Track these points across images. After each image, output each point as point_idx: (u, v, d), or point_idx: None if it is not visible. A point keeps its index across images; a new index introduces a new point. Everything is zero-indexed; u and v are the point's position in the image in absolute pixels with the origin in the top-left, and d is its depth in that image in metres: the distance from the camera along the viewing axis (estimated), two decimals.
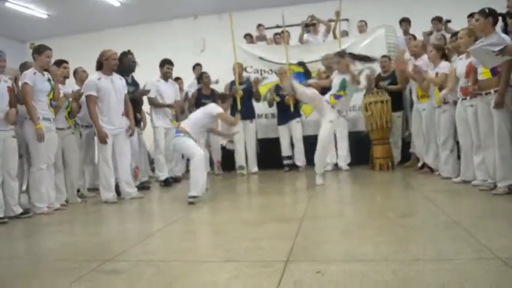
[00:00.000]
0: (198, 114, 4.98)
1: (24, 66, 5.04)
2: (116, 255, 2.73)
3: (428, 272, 2.10)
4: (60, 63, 5.37)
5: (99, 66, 5.08)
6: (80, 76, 5.92)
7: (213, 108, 4.92)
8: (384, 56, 6.76)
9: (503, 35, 3.87)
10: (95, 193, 5.64)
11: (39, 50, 4.59)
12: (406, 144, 6.63)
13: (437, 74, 5.05)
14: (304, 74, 7.28)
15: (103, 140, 4.97)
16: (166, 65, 6.40)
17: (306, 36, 8.07)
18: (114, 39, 8.28)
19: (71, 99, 5.15)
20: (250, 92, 6.98)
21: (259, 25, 8.57)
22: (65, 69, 5.42)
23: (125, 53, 5.77)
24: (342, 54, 5.48)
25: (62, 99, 4.95)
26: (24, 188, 4.86)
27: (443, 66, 5.01)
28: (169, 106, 6.31)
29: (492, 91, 3.97)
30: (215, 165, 7.49)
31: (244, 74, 7.30)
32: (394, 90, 6.41)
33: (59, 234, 3.71)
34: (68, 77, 5.57)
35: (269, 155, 7.28)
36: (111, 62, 5.06)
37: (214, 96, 5.11)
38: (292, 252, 2.53)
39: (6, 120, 4.24)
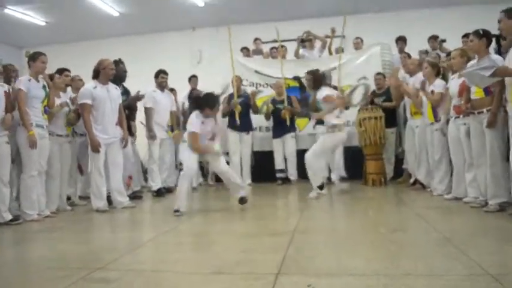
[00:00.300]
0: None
1: (5, 69, 5.00)
2: (106, 264, 2.71)
3: (419, 287, 2.10)
4: (61, 71, 5.37)
5: (96, 75, 5.09)
6: (76, 84, 5.92)
7: (189, 125, 4.64)
8: (378, 74, 6.84)
9: (495, 56, 3.93)
10: (86, 201, 5.61)
11: (34, 57, 4.61)
12: (399, 160, 6.67)
13: (432, 92, 5.09)
14: (300, 88, 7.33)
15: (96, 148, 4.95)
16: (160, 74, 6.46)
17: (301, 51, 8.14)
18: (111, 49, 8.30)
19: (67, 108, 5.13)
20: (247, 105, 7.02)
21: (256, 39, 8.65)
22: (66, 77, 5.40)
23: (116, 61, 5.76)
24: (314, 73, 5.52)
25: (56, 108, 4.94)
26: (14, 194, 4.81)
27: (439, 85, 5.05)
28: (150, 133, 6.27)
29: (485, 110, 4.02)
30: (209, 176, 7.49)
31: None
32: (388, 107, 6.47)
33: (49, 242, 3.68)
34: (69, 85, 5.56)
35: (263, 167, 7.29)
36: (108, 72, 5.08)
37: (202, 102, 4.74)
38: (283, 265, 2.52)
39: (2, 126, 4.24)
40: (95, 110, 5.01)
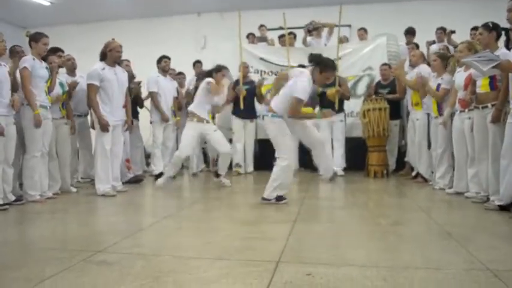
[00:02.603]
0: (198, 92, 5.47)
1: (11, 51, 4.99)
2: (107, 247, 2.72)
3: (418, 280, 2.10)
4: (55, 51, 5.31)
5: (103, 57, 5.04)
6: (69, 66, 5.85)
7: (204, 81, 5.36)
8: (384, 64, 6.78)
9: (504, 51, 3.88)
10: (88, 183, 5.63)
11: (36, 37, 4.56)
12: (403, 152, 6.66)
13: (439, 85, 5.03)
14: None
15: (105, 128, 4.89)
16: (163, 59, 6.45)
17: (309, 39, 8.08)
18: (116, 31, 8.15)
19: (63, 90, 5.13)
20: (252, 93, 7.01)
21: (261, 26, 8.58)
22: (59, 58, 5.37)
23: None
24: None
25: (52, 99, 4.88)
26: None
27: (447, 81, 4.97)
28: (163, 116, 6.28)
29: (489, 105, 3.98)
30: (211, 162, 7.50)
31: None
32: (392, 99, 6.43)
33: (51, 223, 3.70)
34: (62, 67, 5.51)
35: (266, 155, 7.26)
36: (114, 54, 5.01)
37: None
38: (283, 254, 2.53)
39: (12, 107, 4.24)
40: (104, 92, 4.96)
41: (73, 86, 5.44)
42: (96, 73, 4.93)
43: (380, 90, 6.63)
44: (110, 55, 5.01)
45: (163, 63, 6.43)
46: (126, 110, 5.30)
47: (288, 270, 2.25)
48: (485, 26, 3.97)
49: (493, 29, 3.93)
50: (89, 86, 4.95)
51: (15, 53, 4.81)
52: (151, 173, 6.39)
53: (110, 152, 5.03)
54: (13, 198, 4.31)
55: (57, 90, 5.02)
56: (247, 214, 4.03)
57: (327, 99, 6.60)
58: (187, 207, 4.26)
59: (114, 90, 5.01)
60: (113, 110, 5.02)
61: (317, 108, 4.58)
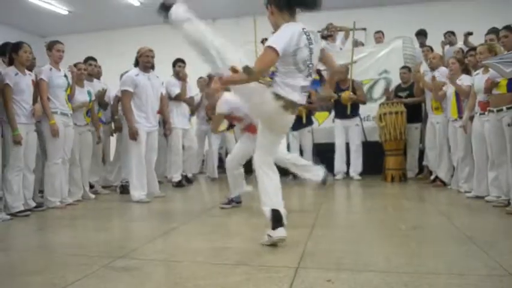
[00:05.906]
0: None
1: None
2: (128, 253, 2.75)
3: (440, 286, 2.08)
4: (86, 60, 5.42)
5: (136, 63, 5.09)
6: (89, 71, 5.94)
7: None
8: (403, 67, 6.69)
9: None
10: (108, 190, 5.70)
11: (50, 46, 4.67)
12: (420, 156, 6.59)
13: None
14: (320, 81, 7.27)
15: (133, 136, 4.91)
16: (178, 63, 6.47)
17: (323, 43, 8.06)
18: (132, 38, 8.35)
19: (90, 98, 5.23)
20: None
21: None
22: (90, 67, 5.47)
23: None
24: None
25: (77, 105, 4.99)
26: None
27: (466, 79, 4.91)
28: (190, 102, 6.41)
29: (504, 108, 3.92)
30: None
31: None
32: (409, 102, 6.35)
33: (71, 229, 3.76)
34: (92, 75, 5.61)
35: None
36: (143, 59, 5.03)
37: None
38: (302, 259, 2.53)
39: (33, 116, 4.34)
40: (138, 98, 4.99)
41: (102, 94, 5.53)
42: (130, 79, 4.96)
43: (399, 93, 6.56)
44: (141, 61, 5.04)
45: (177, 68, 6.43)
46: (163, 116, 5.34)
47: (307, 275, 2.24)
48: (509, 28, 3.92)
49: None
50: (123, 92, 5.00)
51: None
52: (170, 179, 6.41)
53: (147, 156, 5.05)
54: (34, 204, 4.39)
55: (85, 97, 5.12)
56: (265, 219, 4.03)
57: (341, 103, 6.60)
58: (205, 212, 4.28)
59: (148, 96, 5.03)
60: (148, 116, 5.05)
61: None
